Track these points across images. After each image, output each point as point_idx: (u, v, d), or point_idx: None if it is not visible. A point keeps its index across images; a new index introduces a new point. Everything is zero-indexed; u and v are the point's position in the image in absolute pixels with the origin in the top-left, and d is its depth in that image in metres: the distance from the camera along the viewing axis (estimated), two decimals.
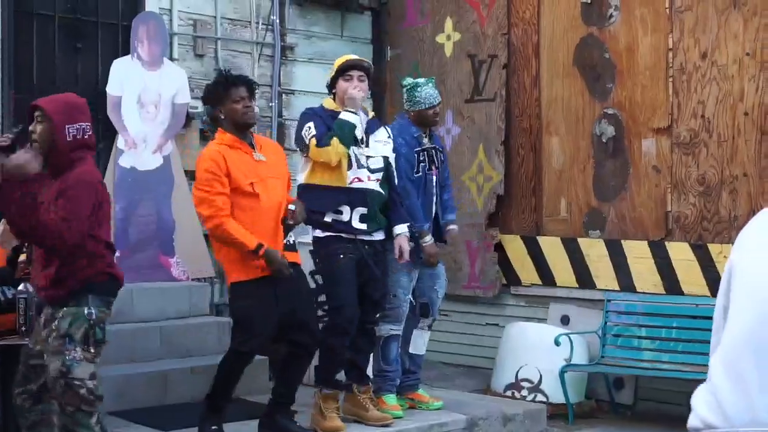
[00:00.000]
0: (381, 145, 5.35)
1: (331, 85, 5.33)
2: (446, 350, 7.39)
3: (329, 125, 5.14)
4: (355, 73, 5.25)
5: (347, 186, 5.14)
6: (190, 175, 6.99)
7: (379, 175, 5.27)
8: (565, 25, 7.12)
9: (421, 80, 5.88)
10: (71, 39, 6.71)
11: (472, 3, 7.66)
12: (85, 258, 4.08)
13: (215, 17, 7.30)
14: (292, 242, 5.08)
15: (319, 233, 5.19)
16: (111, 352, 5.78)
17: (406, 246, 5.31)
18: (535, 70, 7.28)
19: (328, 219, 5.14)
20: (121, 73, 6.70)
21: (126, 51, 6.77)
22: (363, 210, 5.16)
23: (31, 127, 4.15)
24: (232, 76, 5.08)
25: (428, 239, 5.53)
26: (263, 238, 4.77)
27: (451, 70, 7.76)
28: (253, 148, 4.94)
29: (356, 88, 5.18)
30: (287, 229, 4.92)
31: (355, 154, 5.19)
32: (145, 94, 6.77)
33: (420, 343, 5.87)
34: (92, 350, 4.06)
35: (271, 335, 4.87)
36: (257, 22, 7.51)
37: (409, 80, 5.84)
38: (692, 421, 1.97)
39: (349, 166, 5.16)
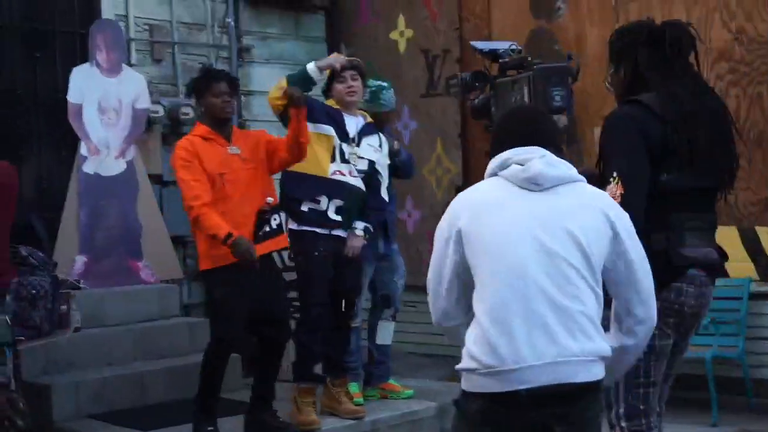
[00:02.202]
0: (372, 150, 5.41)
1: (328, 90, 5.43)
2: (413, 340, 7.55)
3: (326, 113, 5.26)
4: (348, 74, 5.36)
5: (327, 177, 5.21)
6: (154, 179, 7.10)
7: (362, 177, 5.35)
8: (515, 19, 7.31)
9: (384, 83, 6.02)
10: (30, 48, 6.74)
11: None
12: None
13: (171, 22, 7.37)
14: (277, 225, 5.04)
15: (294, 226, 5.24)
16: (86, 356, 5.93)
17: (357, 244, 5.37)
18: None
19: (304, 208, 5.20)
20: (81, 80, 6.74)
21: (84, 59, 6.82)
22: (339, 202, 5.23)
23: None
24: (215, 70, 5.21)
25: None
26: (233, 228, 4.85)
27: (405, 66, 7.91)
28: (229, 141, 5.03)
29: (350, 88, 5.31)
30: (261, 223, 4.96)
31: (342, 149, 5.26)
32: (106, 101, 6.83)
33: (385, 333, 6.02)
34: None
35: (245, 323, 4.93)
36: (213, 25, 7.60)
37: (373, 82, 5.95)
38: (468, 364, 2.61)
39: (333, 159, 5.26)
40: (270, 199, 5.01)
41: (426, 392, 6.08)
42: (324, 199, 5.21)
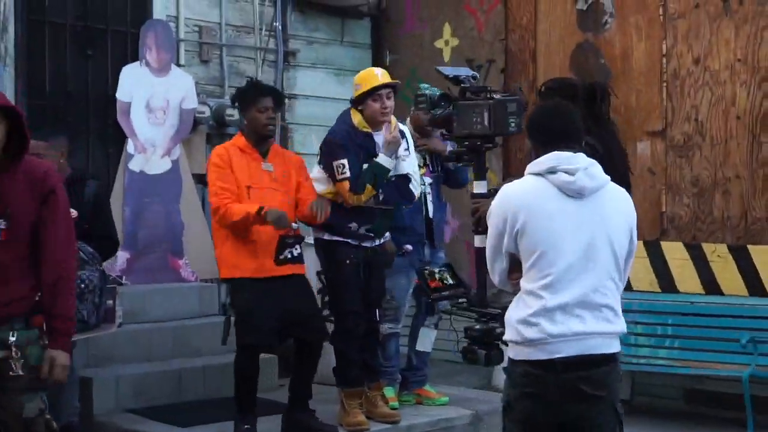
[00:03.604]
0: (400, 162, 5.39)
1: (357, 101, 5.35)
2: (449, 348, 7.56)
3: (362, 154, 5.21)
4: (384, 92, 5.30)
5: (357, 205, 5.24)
6: (198, 178, 7.18)
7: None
8: (561, 32, 7.32)
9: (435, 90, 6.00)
10: (82, 46, 6.85)
11: (470, 9, 7.85)
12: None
13: (220, 24, 7.47)
14: (297, 254, 5.13)
15: (325, 236, 5.34)
16: (126, 351, 6.01)
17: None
18: (532, 75, 7.47)
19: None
20: (130, 79, 6.86)
21: (135, 57, 6.93)
22: (369, 225, 5.34)
23: None
24: (261, 85, 5.21)
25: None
26: (258, 245, 4.95)
27: None
28: (264, 157, 5.06)
29: (385, 109, 5.26)
30: (283, 247, 5.01)
31: None
32: (154, 100, 6.93)
33: (426, 340, 6.06)
34: None
35: (274, 330, 4.99)
36: (260, 29, 7.69)
37: (434, 91, 5.90)
38: (515, 337, 3.25)
39: None
40: (295, 226, 5.06)
41: (461, 400, 6.10)
42: (354, 225, 5.29)
